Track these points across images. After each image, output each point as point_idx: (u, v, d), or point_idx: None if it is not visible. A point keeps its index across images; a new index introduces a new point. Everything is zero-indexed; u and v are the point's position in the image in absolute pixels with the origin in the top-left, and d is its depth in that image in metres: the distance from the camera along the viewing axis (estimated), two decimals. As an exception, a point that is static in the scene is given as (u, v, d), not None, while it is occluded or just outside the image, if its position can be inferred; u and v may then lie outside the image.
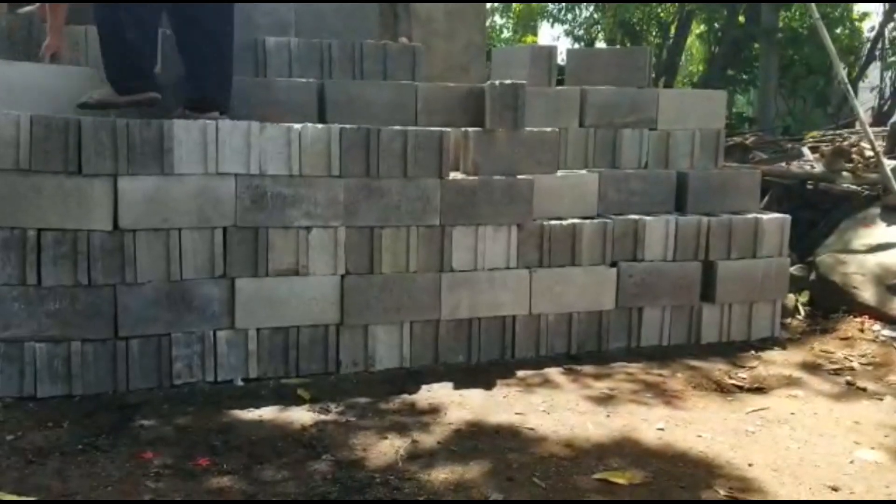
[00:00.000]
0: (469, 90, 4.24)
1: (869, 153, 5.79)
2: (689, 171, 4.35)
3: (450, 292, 3.70)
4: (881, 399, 3.48)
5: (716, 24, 15.55)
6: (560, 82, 4.62)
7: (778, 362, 3.95)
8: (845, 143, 6.56)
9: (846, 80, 5.85)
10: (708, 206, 4.31)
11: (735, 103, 16.38)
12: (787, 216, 4.41)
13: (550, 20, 18.89)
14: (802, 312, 4.76)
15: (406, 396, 3.32)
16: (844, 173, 5.77)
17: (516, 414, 3.14)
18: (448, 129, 3.74)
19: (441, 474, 2.62)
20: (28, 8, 3.97)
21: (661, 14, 16.51)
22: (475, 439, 2.91)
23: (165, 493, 2.44)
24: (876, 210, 5.23)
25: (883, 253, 4.76)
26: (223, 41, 3.52)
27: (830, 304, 4.75)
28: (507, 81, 3.94)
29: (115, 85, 3.39)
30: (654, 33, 17.20)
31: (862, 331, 4.39)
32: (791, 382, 3.66)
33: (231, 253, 3.38)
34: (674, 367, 3.81)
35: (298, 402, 3.21)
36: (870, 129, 5.80)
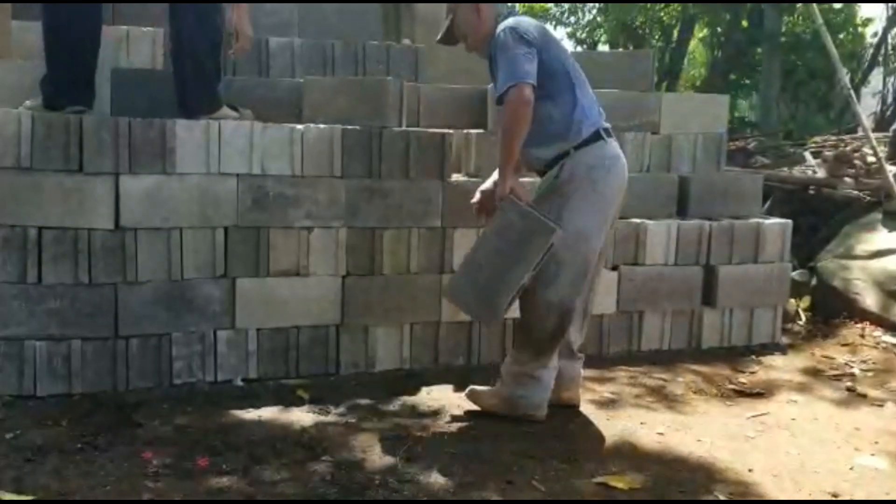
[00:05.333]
0: (471, 92, 4.24)
1: (871, 159, 5.78)
2: (691, 175, 4.35)
3: (450, 294, 3.69)
4: (882, 405, 3.48)
5: (718, 28, 15.54)
6: (563, 85, 4.61)
7: (779, 367, 3.95)
8: (848, 148, 6.56)
9: (849, 86, 5.85)
10: (710, 210, 4.31)
11: (737, 108, 16.38)
12: (789, 221, 4.41)
13: (553, 22, 18.89)
14: (803, 318, 4.76)
15: (406, 398, 3.31)
16: (846, 179, 5.77)
17: (516, 417, 3.13)
18: (450, 131, 3.74)
19: (440, 477, 2.61)
20: None
21: (664, 17, 16.50)
22: (475, 442, 2.90)
23: (164, 492, 2.43)
24: (878, 216, 5.23)
25: (884, 259, 4.76)
26: (195, 44, 3.41)
27: (832, 309, 4.75)
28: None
29: (45, 97, 3.29)
30: (656, 37, 17.20)
31: (863, 336, 4.39)
32: (791, 388, 3.66)
33: (232, 253, 3.37)
34: (674, 371, 3.80)
35: (298, 402, 3.21)
36: (872, 135, 5.80)
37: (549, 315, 2.99)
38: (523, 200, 2.96)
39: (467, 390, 3.21)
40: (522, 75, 2.83)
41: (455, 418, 3.12)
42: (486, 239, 3.05)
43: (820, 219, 5.71)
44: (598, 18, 18.15)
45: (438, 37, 3.21)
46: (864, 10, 15.40)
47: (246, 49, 3.71)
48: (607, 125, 3.08)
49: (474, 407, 3.22)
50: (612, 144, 3.06)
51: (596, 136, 3.00)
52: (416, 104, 4.10)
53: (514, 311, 3.11)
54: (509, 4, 3.12)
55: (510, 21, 2.97)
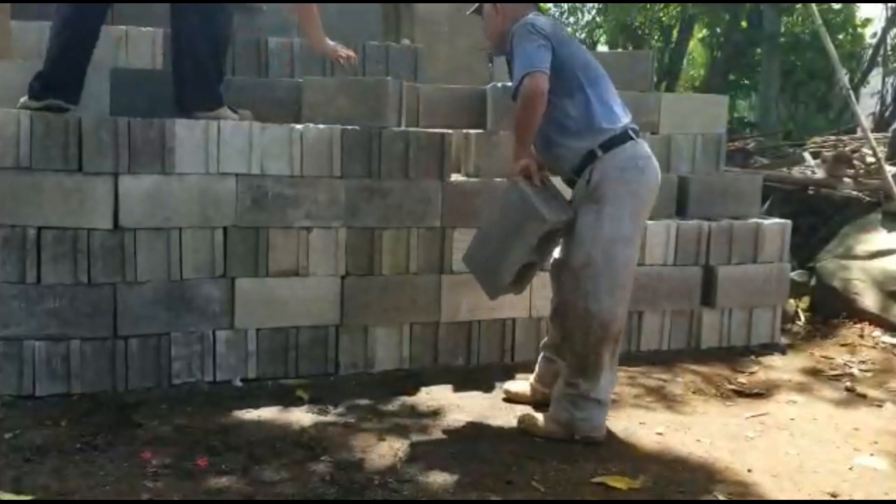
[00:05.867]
0: (471, 92, 4.23)
1: (870, 159, 5.79)
2: (691, 175, 4.35)
3: (450, 294, 3.69)
4: (881, 405, 3.48)
5: (718, 29, 15.57)
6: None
7: (778, 368, 3.95)
8: (847, 148, 6.56)
9: (848, 86, 5.85)
10: (709, 210, 4.31)
11: (736, 108, 16.40)
12: (788, 221, 4.41)
13: (552, 23, 18.91)
14: (803, 318, 4.76)
15: (405, 398, 3.31)
16: (846, 179, 5.77)
17: (515, 417, 3.13)
18: (450, 131, 3.74)
19: (440, 477, 2.61)
20: None
21: (664, 18, 16.52)
22: (474, 442, 2.90)
23: (164, 492, 2.43)
24: (877, 216, 5.23)
25: (884, 259, 4.76)
26: (195, 44, 3.42)
27: (831, 309, 4.75)
28: (509, 83, 3.93)
29: (30, 89, 3.28)
30: (656, 37, 17.22)
31: (862, 337, 4.39)
32: (791, 388, 3.66)
33: (231, 253, 3.37)
34: (674, 371, 3.80)
35: (297, 402, 3.21)
36: (871, 135, 5.80)
37: (591, 327, 2.89)
38: (535, 181, 2.93)
39: (519, 418, 3.07)
40: (537, 64, 2.83)
41: (454, 418, 3.12)
42: (494, 214, 3.10)
43: (819, 219, 5.71)
44: (598, 19, 18.17)
45: (469, 11, 3.25)
46: (863, 11, 15.41)
47: (350, 63, 3.90)
48: (635, 125, 3.00)
49: (472, 406, 3.22)
50: (643, 144, 2.98)
51: (624, 137, 2.92)
52: (415, 104, 4.09)
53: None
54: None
55: (527, 17, 2.97)
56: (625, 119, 2.98)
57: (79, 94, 3.31)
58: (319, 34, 3.88)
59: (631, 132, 2.95)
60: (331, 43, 3.91)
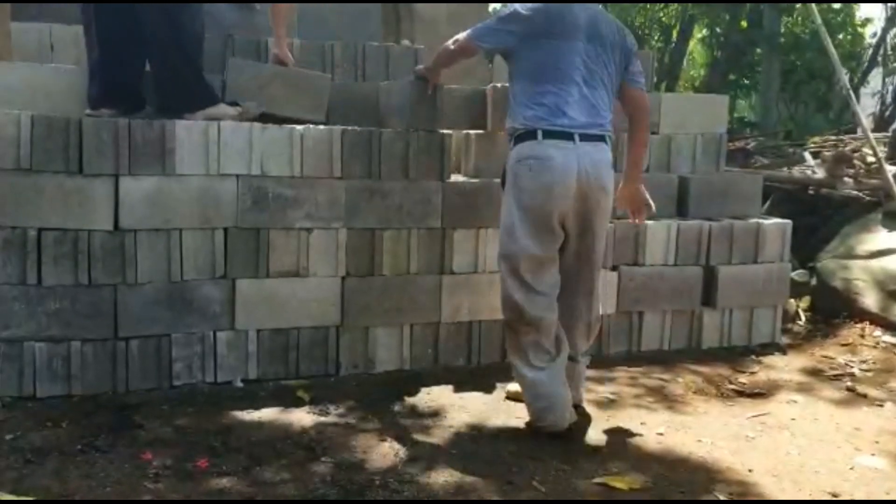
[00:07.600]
0: (471, 93, 4.23)
1: (871, 159, 5.79)
2: (691, 175, 4.34)
3: (450, 295, 3.69)
4: (882, 405, 3.48)
5: (718, 29, 15.55)
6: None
7: (779, 368, 3.95)
8: (847, 148, 6.56)
9: (848, 86, 5.85)
10: (709, 210, 4.31)
11: (737, 108, 16.38)
12: (789, 221, 4.41)
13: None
14: (803, 318, 4.76)
15: (406, 399, 3.31)
16: (846, 179, 5.77)
17: (516, 417, 3.13)
18: (450, 132, 3.74)
19: (440, 477, 2.61)
20: None
21: (664, 18, 16.51)
22: (475, 443, 2.90)
23: (164, 493, 2.43)
24: (877, 215, 5.23)
25: (884, 258, 4.76)
26: (165, 48, 3.43)
27: (831, 309, 4.75)
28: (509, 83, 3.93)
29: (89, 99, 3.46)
30: (656, 37, 17.21)
31: (863, 336, 4.39)
32: (792, 388, 3.66)
33: (232, 254, 3.37)
34: (674, 371, 3.80)
35: (298, 403, 3.21)
36: (871, 135, 5.80)
37: (505, 309, 3.04)
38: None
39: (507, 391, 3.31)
40: (477, 38, 3.12)
41: (455, 419, 3.12)
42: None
43: (819, 219, 5.71)
44: (598, 19, 18.10)
45: None
46: (863, 11, 15.40)
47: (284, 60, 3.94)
48: (566, 129, 2.86)
49: (473, 407, 3.22)
50: (546, 145, 2.86)
51: (529, 135, 2.91)
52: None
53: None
54: (509, 5, 3.13)
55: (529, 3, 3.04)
56: (555, 120, 2.89)
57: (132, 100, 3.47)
58: (283, 36, 3.96)
59: (541, 132, 2.88)
60: (287, 51, 4.00)
